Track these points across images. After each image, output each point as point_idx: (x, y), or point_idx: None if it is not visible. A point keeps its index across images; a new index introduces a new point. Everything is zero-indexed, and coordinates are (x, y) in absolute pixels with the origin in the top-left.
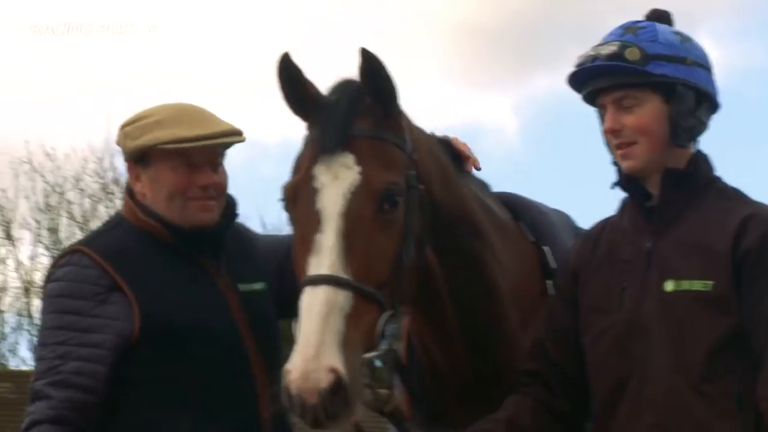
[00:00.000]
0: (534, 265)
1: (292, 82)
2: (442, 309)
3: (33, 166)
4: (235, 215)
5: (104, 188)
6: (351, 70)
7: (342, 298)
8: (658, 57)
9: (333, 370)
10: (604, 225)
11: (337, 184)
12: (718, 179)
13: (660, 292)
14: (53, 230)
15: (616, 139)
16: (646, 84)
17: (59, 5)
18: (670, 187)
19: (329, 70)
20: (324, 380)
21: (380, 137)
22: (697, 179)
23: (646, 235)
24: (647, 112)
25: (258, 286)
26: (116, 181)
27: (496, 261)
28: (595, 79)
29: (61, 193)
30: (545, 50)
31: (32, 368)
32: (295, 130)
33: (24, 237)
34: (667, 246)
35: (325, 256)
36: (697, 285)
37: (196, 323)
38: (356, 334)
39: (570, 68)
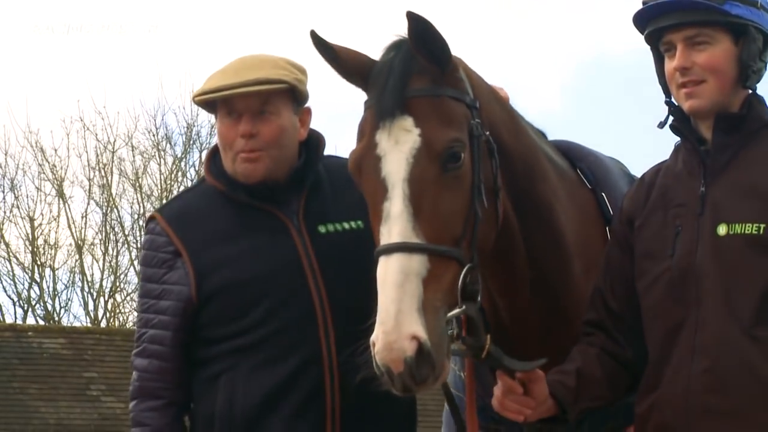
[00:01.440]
0: (594, 212)
1: (332, 55)
2: (514, 258)
3: (84, 123)
4: (317, 154)
5: (156, 145)
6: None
7: (416, 263)
8: None
9: (414, 338)
10: (659, 169)
11: (398, 149)
12: None
13: (713, 237)
14: (105, 188)
15: (684, 77)
16: (722, 23)
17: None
18: (723, 130)
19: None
20: (408, 349)
21: (437, 94)
22: (751, 122)
23: (699, 178)
24: (719, 52)
25: (350, 224)
26: (168, 138)
27: (561, 207)
28: (666, 15)
29: (113, 151)
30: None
31: (84, 325)
32: None
33: (76, 195)
34: (721, 190)
35: (394, 224)
36: (750, 228)
37: (253, 276)
38: (436, 295)
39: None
